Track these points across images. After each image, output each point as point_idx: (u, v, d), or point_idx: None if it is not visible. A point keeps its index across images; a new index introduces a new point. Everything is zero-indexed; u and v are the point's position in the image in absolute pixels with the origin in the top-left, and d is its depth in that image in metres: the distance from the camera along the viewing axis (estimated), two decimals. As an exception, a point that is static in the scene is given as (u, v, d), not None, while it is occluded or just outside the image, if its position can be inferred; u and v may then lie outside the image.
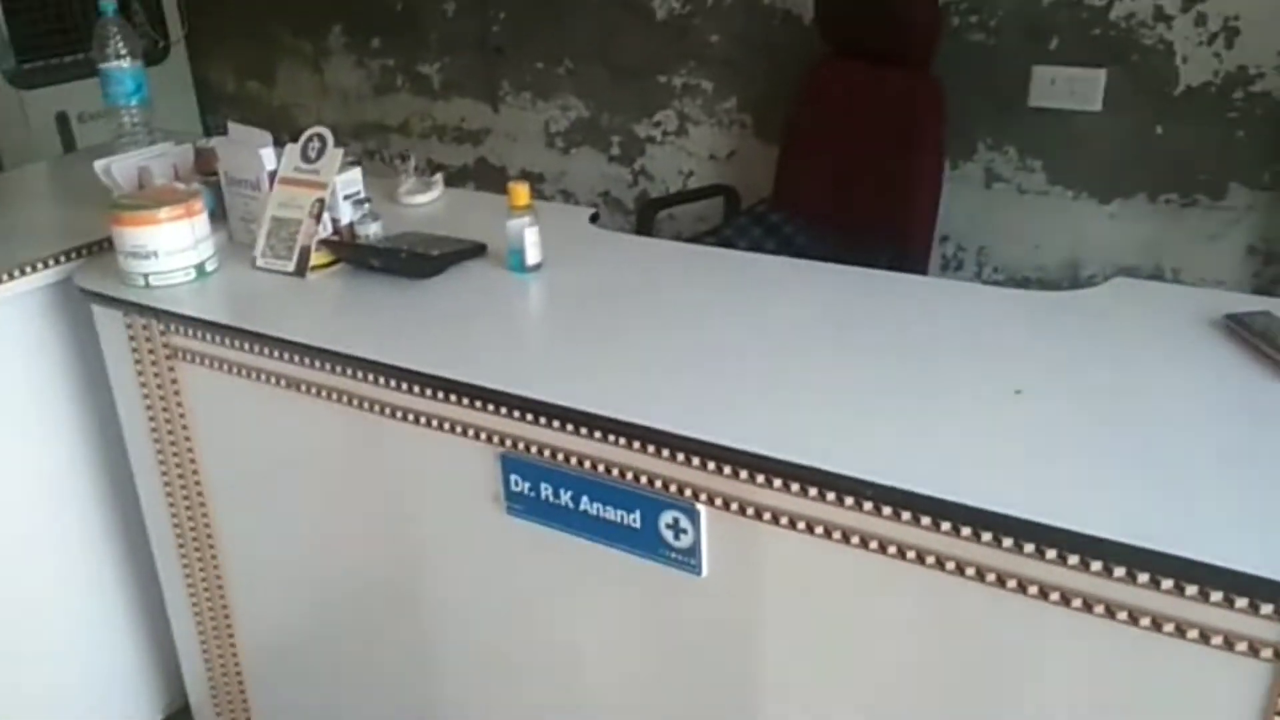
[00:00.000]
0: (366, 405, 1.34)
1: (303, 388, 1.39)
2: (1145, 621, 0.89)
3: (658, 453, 1.10)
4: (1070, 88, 2.50)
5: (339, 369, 1.33)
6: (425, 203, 1.90)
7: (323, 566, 1.55)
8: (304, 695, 1.72)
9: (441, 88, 3.51)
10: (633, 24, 3.04)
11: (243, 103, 4.02)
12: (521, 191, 1.51)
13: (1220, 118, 2.34)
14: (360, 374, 1.32)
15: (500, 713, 1.45)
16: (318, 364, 1.35)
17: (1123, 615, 0.90)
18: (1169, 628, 0.88)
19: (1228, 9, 2.27)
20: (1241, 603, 0.84)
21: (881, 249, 2.37)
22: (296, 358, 1.37)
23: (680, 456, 1.09)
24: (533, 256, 1.52)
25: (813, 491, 1.01)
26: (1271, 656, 0.85)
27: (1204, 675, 0.88)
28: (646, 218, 2.57)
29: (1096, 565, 0.90)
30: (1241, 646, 0.86)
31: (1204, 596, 0.86)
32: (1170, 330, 1.25)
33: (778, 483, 1.03)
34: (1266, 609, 0.84)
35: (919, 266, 2.42)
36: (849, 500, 0.99)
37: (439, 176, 1.95)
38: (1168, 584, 0.87)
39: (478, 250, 1.59)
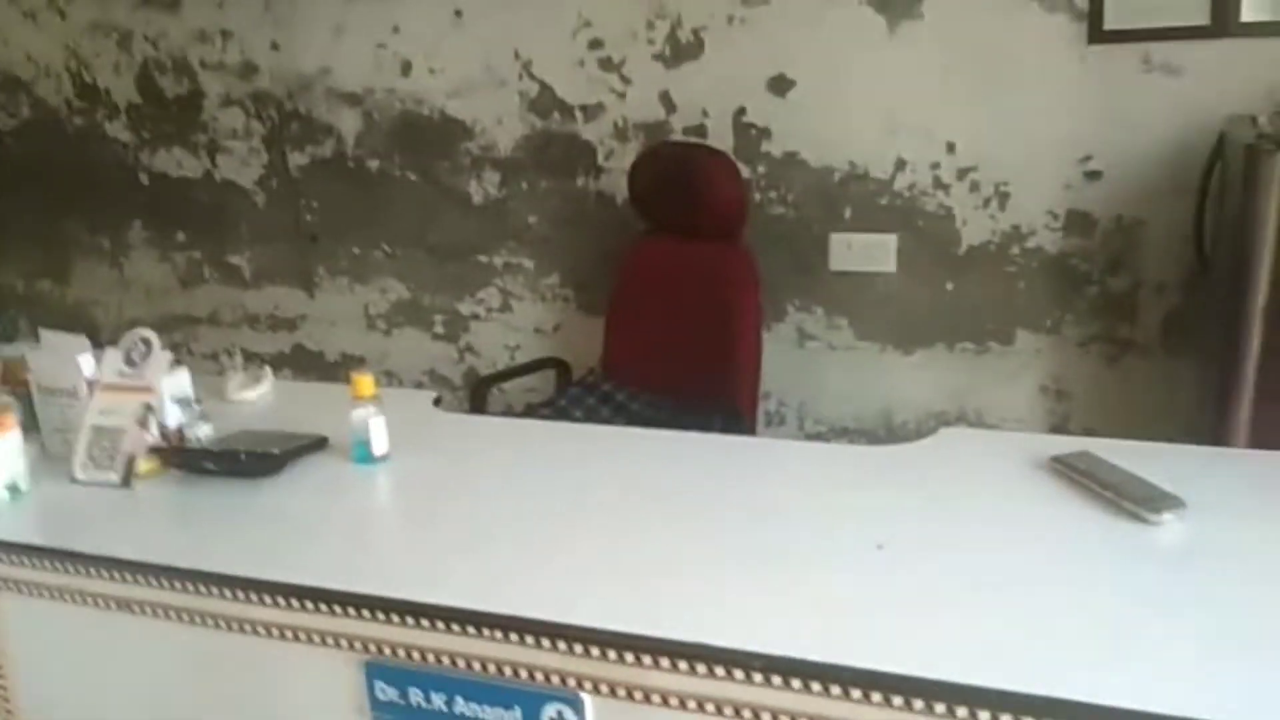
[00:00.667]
0: (212, 621, 1.25)
1: (137, 608, 1.29)
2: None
3: (536, 643, 1.07)
4: (866, 252, 2.70)
5: (179, 584, 1.25)
6: (255, 398, 1.83)
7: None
8: None
9: (253, 277, 3.45)
10: (450, 209, 3.10)
11: (34, 302, 3.83)
12: (365, 382, 1.48)
13: (1001, 272, 2.58)
14: (203, 588, 1.23)
15: None
16: (154, 581, 1.26)
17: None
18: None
19: (997, 176, 2.53)
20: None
21: (712, 411, 2.44)
22: (129, 576, 1.27)
23: (560, 645, 1.06)
24: (379, 446, 1.49)
25: (700, 668, 1.01)
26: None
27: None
28: (479, 395, 2.56)
29: (984, 715, 0.92)
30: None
31: (1084, 733, 0.90)
32: (1002, 474, 1.34)
33: (664, 662, 1.02)
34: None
35: (748, 424, 2.51)
36: (738, 673, 0.99)
37: (267, 370, 1.90)
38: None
39: (319, 444, 1.55)
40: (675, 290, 2.62)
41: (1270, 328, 1.79)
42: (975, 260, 2.60)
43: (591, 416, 2.57)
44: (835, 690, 0.96)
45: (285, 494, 1.42)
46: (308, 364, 3.42)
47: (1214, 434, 1.88)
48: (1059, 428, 2.60)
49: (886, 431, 2.77)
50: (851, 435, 2.82)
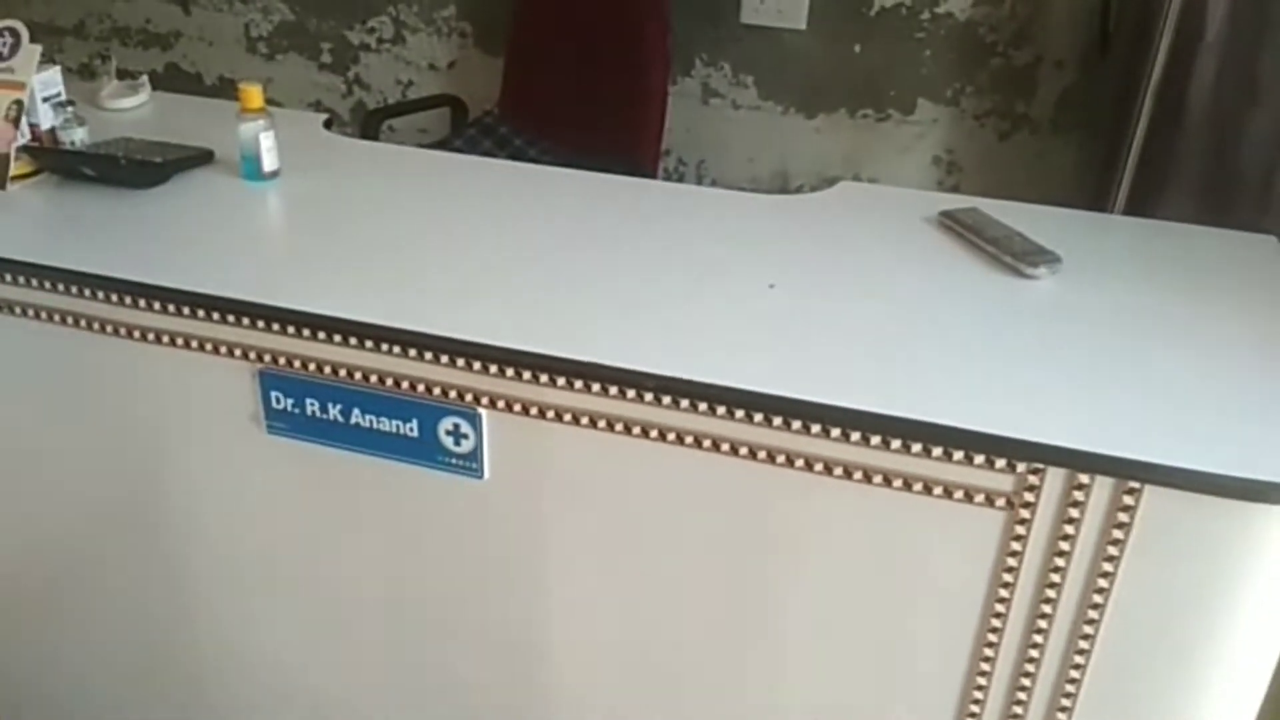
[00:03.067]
0: (96, 326, 1.22)
1: (17, 310, 1.25)
2: (898, 483, 1.00)
3: (435, 359, 1.09)
4: (777, 5, 2.63)
5: (59, 286, 1.21)
6: (132, 107, 1.73)
7: (48, 501, 1.41)
8: (31, 644, 1.57)
9: (123, -15, 3.17)
10: (341, -79, 2.87)
11: None
12: (254, 93, 1.41)
13: (910, 37, 2.55)
14: (86, 291, 1.20)
15: (272, 638, 1.39)
16: (31, 281, 1.21)
17: (878, 479, 1.00)
18: (918, 487, 0.99)
19: (916, -66, 2.46)
20: (978, 459, 0.96)
21: (613, 163, 2.41)
22: (6, 276, 1.22)
23: (459, 362, 1.08)
24: (269, 163, 1.43)
25: (595, 387, 1.04)
26: (1005, 505, 0.97)
27: (951, 526, 1.00)
28: (370, 128, 2.47)
29: (855, 435, 0.99)
30: (979, 498, 0.98)
31: (947, 456, 0.97)
32: (895, 227, 1.37)
33: (561, 381, 1.05)
34: (1000, 463, 0.96)
35: (648, 167, 2.49)
36: (630, 393, 1.03)
37: (145, 79, 1.78)
38: (916, 447, 0.97)
39: (205, 157, 1.48)
40: (579, 30, 2.52)
41: (1160, 105, 1.83)
42: (886, 23, 2.56)
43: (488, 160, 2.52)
44: (720, 410, 1.01)
45: (170, 206, 1.37)
46: (183, 85, 3.22)
47: (1093, 205, 1.96)
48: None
49: (782, 194, 2.79)
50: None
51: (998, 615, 1.02)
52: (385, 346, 1.10)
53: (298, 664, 1.38)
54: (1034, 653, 1.02)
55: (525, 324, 1.10)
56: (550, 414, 1.07)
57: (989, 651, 1.04)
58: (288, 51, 3.09)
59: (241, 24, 3.09)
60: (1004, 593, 1.00)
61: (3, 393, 1.34)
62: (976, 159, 2.62)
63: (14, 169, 1.38)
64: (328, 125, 1.69)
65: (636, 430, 1.05)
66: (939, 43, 2.53)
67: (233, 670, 1.42)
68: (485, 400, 1.09)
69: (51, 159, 1.41)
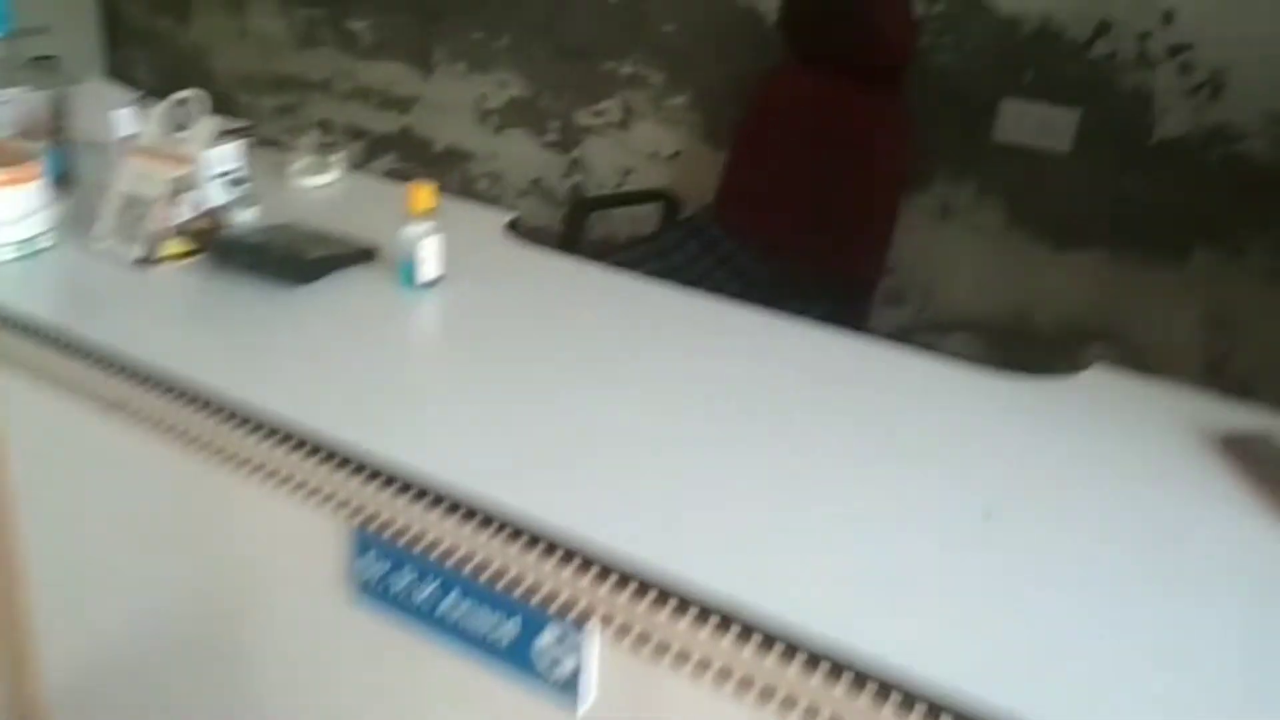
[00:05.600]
0: (196, 442, 1.10)
1: (125, 411, 1.14)
2: None
3: (547, 554, 0.88)
4: (1040, 125, 2.34)
5: (168, 392, 1.09)
6: (320, 185, 1.65)
7: (139, 617, 1.30)
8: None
9: (370, 47, 3.23)
10: (584, 2, 2.80)
11: (152, 41, 3.69)
12: (424, 194, 1.27)
13: (1193, 175, 2.20)
14: (191, 402, 1.07)
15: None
16: (144, 383, 1.10)
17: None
18: None
19: (1216, 59, 2.12)
20: None
21: (828, 282, 2.19)
22: (120, 371, 1.12)
23: (575, 562, 0.87)
24: (428, 271, 1.29)
25: (734, 630, 0.81)
26: None
27: None
28: (578, 217, 2.34)
29: None
30: None
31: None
32: (1159, 445, 1.07)
33: (692, 611, 0.82)
34: None
35: (863, 300, 2.24)
36: (794, 662, 0.79)
37: (341, 155, 1.70)
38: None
39: (365, 255, 1.36)
40: (811, 134, 2.32)
41: None
42: (1166, 155, 2.22)
43: (693, 264, 2.34)
44: (894, 699, 0.75)
45: (310, 308, 1.24)
46: (413, 150, 3.24)
47: None
48: (1215, 365, 2.27)
49: (1016, 334, 2.47)
50: (976, 330, 2.53)
51: None
52: (491, 527, 0.91)
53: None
54: None
55: (653, 533, 0.89)
56: (679, 654, 0.85)
57: None
58: (515, 126, 3.04)
59: (476, 94, 3.07)
60: None
61: (100, 497, 1.24)
62: (1258, 321, 2.22)
63: (166, 248, 1.30)
64: (513, 226, 1.55)
65: (778, 703, 0.80)
66: (1230, 185, 2.17)
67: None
68: (601, 617, 0.88)
69: (204, 241, 1.32)
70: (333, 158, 1.69)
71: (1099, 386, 1.20)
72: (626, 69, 2.81)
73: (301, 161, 1.65)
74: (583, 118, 2.92)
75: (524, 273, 1.42)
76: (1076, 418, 1.12)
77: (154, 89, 2.56)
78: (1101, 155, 2.28)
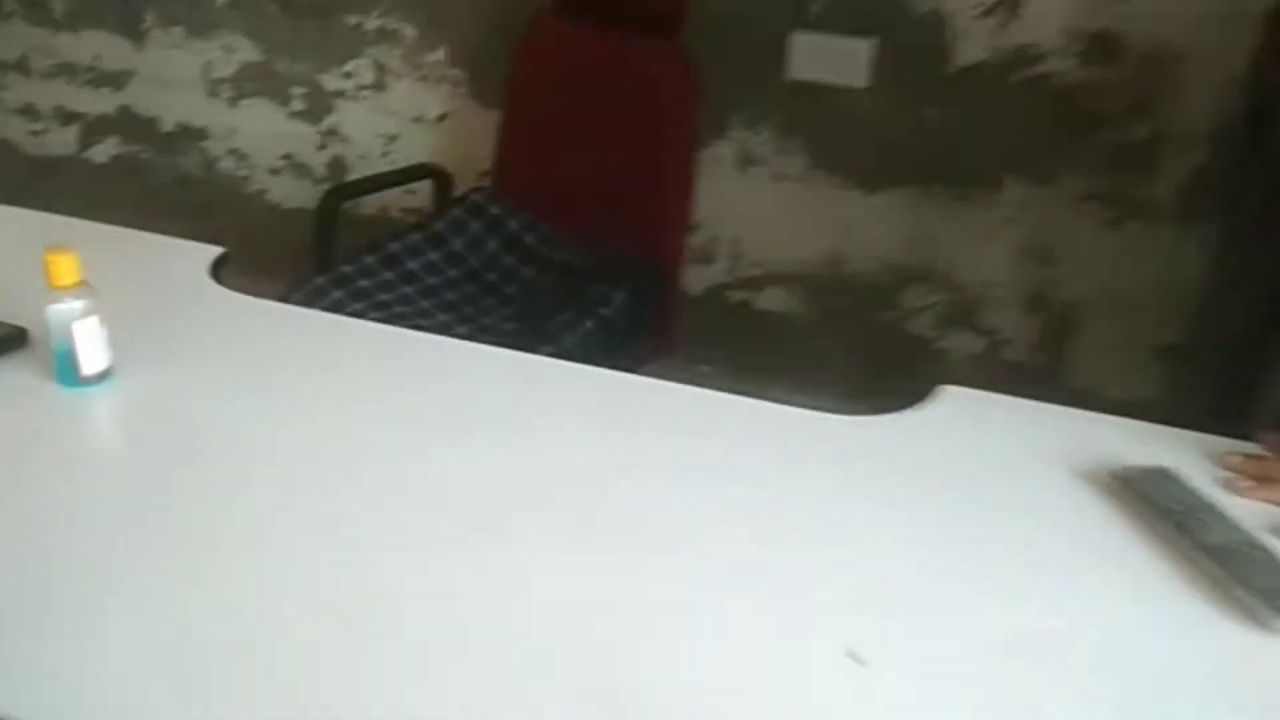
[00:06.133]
0: None
1: None
2: None
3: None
4: (833, 59, 2.14)
5: None
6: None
7: None
8: None
9: (66, 17, 2.73)
10: (311, -51, 2.42)
11: None
12: (62, 264, 0.94)
13: (997, 102, 2.05)
14: None
15: None
16: None
17: None
18: None
19: (1011, -22, 1.96)
20: None
21: (625, 261, 1.94)
22: None
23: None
24: (90, 363, 0.97)
25: None
26: None
27: None
28: (329, 209, 2.00)
29: None
30: None
31: None
32: (1038, 489, 0.88)
33: None
34: None
35: (666, 286, 2.02)
36: None
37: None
38: None
39: (12, 342, 1.02)
40: (589, 92, 2.04)
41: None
42: (966, 83, 2.06)
43: (477, 248, 2.05)
44: None
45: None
46: (139, 132, 2.78)
47: (1230, 320, 1.46)
48: (1039, 297, 2.17)
49: (833, 281, 2.30)
50: (791, 282, 2.35)
51: None
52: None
53: None
54: None
55: None
56: None
57: None
58: (254, 96, 2.64)
59: (201, 63, 2.64)
60: None
61: None
62: (1078, 250, 2.11)
63: None
64: (221, 263, 1.22)
65: None
66: (1034, 110, 2.03)
67: None
68: None
69: None
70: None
71: (955, 414, 1.00)
72: (373, 23, 2.45)
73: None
74: (330, 81, 2.55)
75: (242, 339, 1.10)
76: (933, 455, 0.92)
77: None
78: (900, 88, 2.11)
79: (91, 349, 0.96)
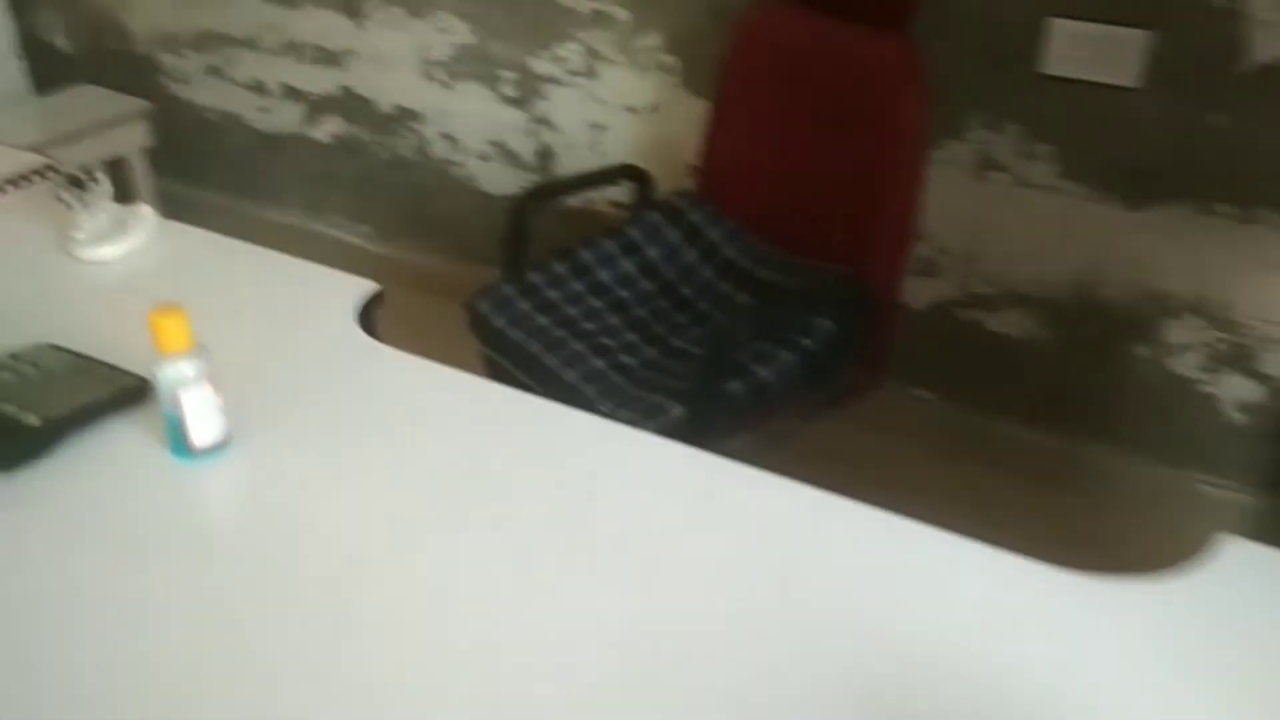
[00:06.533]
0: None
1: None
2: None
3: None
4: (1098, 51, 1.83)
5: None
6: (116, 258, 1.22)
7: None
8: None
9: (295, -5, 2.75)
10: (527, -73, 2.31)
11: (63, -2, 3.23)
12: (171, 325, 0.85)
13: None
14: None
15: None
16: None
17: None
18: None
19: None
20: None
21: (838, 263, 1.74)
22: None
23: None
24: (202, 434, 0.88)
25: None
26: None
27: None
28: (522, 215, 1.88)
29: None
30: None
31: None
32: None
33: None
34: None
35: (885, 283, 1.78)
36: None
37: (145, 210, 1.26)
38: None
39: (130, 395, 0.94)
40: (807, 85, 1.83)
41: None
42: (1266, 85, 1.71)
43: (673, 258, 1.90)
44: None
45: (17, 508, 0.84)
46: (358, 113, 2.78)
47: None
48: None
49: (1082, 305, 2.00)
50: (1030, 305, 2.06)
51: None
52: None
53: None
54: None
55: None
56: None
57: None
58: (466, 80, 2.57)
59: (417, 45, 2.60)
60: None
61: None
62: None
63: None
64: (370, 308, 1.11)
65: None
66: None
67: None
68: None
69: None
70: (137, 209, 1.25)
71: (1236, 574, 0.76)
72: (587, 5, 2.31)
73: (91, 221, 1.22)
74: (541, 65, 2.44)
75: (366, 406, 0.98)
76: (1212, 650, 0.69)
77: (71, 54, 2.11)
78: (1179, 88, 1.77)
79: (202, 419, 0.87)
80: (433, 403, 0.97)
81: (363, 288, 1.12)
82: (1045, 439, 2.12)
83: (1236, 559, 0.78)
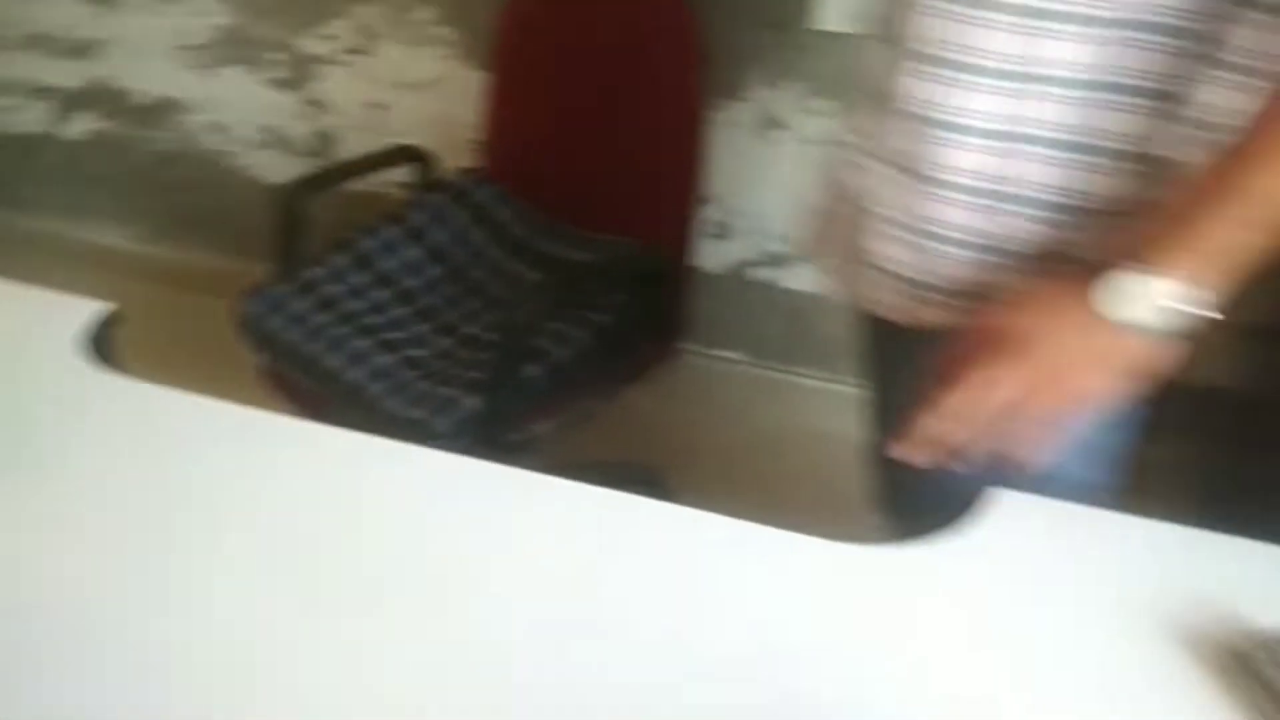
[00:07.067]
0: None
1: None
2: None
3: None
4: (866, 4, 1.85)
5: None
6: None
7: None
8: None
9: (30, -18, 2.52)
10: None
11: None
12: None
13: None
14: None
15: None
16: None
17: None
18: None
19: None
20: None
21: (627, 234, 1.71)
22: None
23: None
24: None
25: None
26: None
27: None
28: (293, 209, 1.77)
29: None
30: None
31: None
32: (1126, 653, 0.65)
33: None
34: None
35: (678, 251, 1.77)
36: None
37: None
38: None
39: None
40: (581, 55, 1.80)
41: None
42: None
43: (460, 241, 1.83)
44: None
45: None
46: (116, 108, 2.57)
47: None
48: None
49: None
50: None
51: None
52: None
53: None
54: None
55: None
56: None
57: None
58: (230, 64, 2.42)
59: (171, 29, 2.42)
60: None
61: None
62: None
63: None
64: (102, 332, 1.01)
65: None
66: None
67: None
68: None
69: None
70: None
71: (1005, 531, 0.77)
72: (351, -22, 2.20)
73: None
74: (310, 45, 2.31)
75: (100, 444, 0.89)
76: (982, 595, 0.69)
77: None
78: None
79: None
80: (174, 429, 0.89)
81: (91, 310, 1.01)
82: (845, 389, 2.17)
83: (1009, 512, 0.80)
